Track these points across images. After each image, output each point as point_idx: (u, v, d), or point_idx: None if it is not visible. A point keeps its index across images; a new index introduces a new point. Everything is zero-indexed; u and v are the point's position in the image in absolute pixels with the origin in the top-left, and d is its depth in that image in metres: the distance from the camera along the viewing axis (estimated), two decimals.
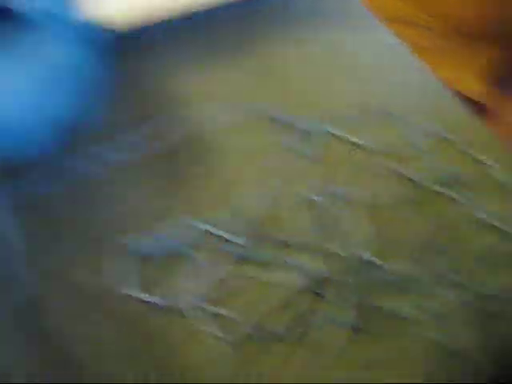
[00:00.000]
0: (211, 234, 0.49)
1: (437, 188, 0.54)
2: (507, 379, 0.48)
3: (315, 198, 0.50)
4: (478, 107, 0.73)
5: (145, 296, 0.46)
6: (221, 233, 0.49)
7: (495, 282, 0.53)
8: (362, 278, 0.50)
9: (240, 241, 0.48)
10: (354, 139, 0.53)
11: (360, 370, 0.48)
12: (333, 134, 0.53)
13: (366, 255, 0.50)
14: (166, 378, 0.45)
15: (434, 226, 0.54)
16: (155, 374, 0.45)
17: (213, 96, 0.54)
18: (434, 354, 0.50)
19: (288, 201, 0.50)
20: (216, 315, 0.47)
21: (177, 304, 0.46)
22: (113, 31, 0.57)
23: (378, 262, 0.50)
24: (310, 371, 0.48)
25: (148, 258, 0.47)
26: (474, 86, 0.76)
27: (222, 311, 0.47)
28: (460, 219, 0.54)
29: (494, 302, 0.52)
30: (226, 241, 0.49)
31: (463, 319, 0.51)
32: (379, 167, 0.53)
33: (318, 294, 0.49)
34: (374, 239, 0.52)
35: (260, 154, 0.51)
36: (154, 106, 0.54)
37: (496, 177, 0.57)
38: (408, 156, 0.55)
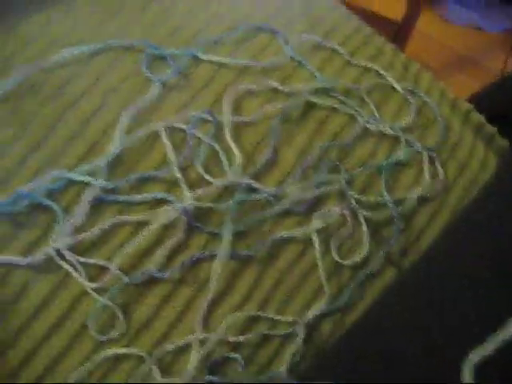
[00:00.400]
0: (72, 181, 0.44)
1: (317, 100, 0.49)
2: None
3: (179, 125, 0.45)
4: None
5: (3, 258, 0.42)
6: (81, 178, 0.44)
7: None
8: (240, 204, 0.46)
9: (99, 183, 0.43)
10: (226, 60, 0.48)
11: (251, 303, 0.45)
12: (199, 58, 0.48)
13: (243, 179, 0.45)
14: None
15: (320, 140, 0.49)
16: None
17: (60, 36, 0.49)
18: (333, 273, 0.49)
19: (149, 132, 0.45)
20: (83, 264, 0.43)
21: (37, 259, 0.42)
22: None
23: (255, 185, 0.46)
24: (194, 308, 0.44)
25: (5, 216, 0.43)
26: None
27: (89, 260, 0.43)
28: (344, 129, 0.50)
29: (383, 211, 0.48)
30: (86, 185, 0.44)
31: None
32: (252, 86, 0.48)
33: (191, 226, 0.45)
34: (250, 163, 0.48)
35: (120, 90, 0.46)
36: None
37: (386, 84, 0.52)
38: (288, 71, 0.50)
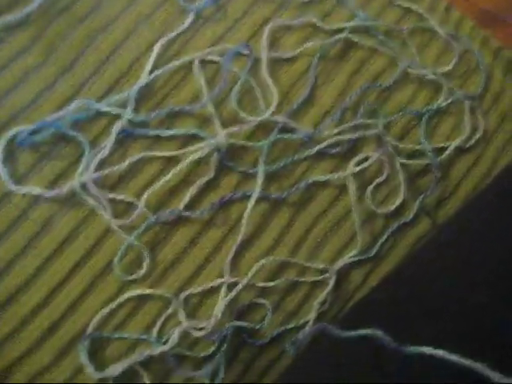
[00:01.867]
0: (99, 111, 0.41)
1: (358, 39, 0.46)
2: None
3: (214, 58, 0.43)
4: None
5: (27, 189, 0.39)
6: (109, 109, 0.41)
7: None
8: (274, 144, 0.44)
9: (128, 115, 0.40)
10: None
11: (282, 248, 0.43)
12: None
13: (279, 118, 0.43)
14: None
15: (359, 81, 0.46)
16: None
17: None
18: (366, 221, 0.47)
19: (182, 64, 0.43)
20: (110, 201, 0.41)
21: (63, 192, 0.39)
22: None
23: (292, 124, 0.43)
24: (223, 251, 0.42)
25: (33, 146, 0.40)
26: None
27: (116, 196, 0.41)
28: (384, 71, 0.47)
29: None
30: (115, 117, 0.41)
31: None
32: (291, 21, 0.45)
33: (223, 165, 0.43)
34: (287, 101, 0.45)
35: (153, 18, 0.43)
36: None
37: (428, 27, 0.49)
38: (328, 8, 0.47)
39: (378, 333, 0.35)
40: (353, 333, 0.36)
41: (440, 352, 0.31)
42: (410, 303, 0.38)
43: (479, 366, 0.29)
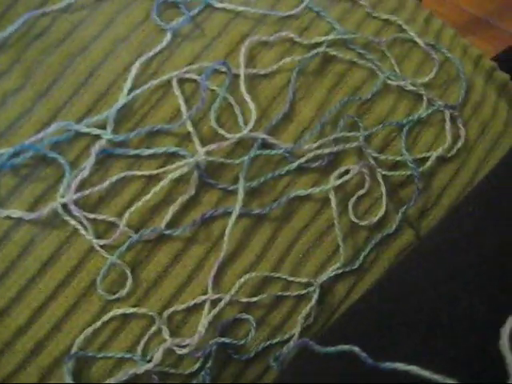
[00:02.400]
0: (79, 133, 0.42)
1: (336, 52, 0.46)
2: None
3: (192, 76, 0.43)
4: None
5: (8, 212, 0.40)
6: (89, 130, 0.42)
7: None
8: (254, 160, 0.44)
9: (108, 135, 0.41)
10: (242, 8, 0.45)
11: (265, 263, 0.43)
12: (214, 6, 0.45)
13: (258, 134, 0.43)
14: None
15: (338, 95, 0.47)
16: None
17: None
18: (349, 234, 0.47)
19: (160, 83, 0.43)
20: (91, 221, 0.41)
21: (44, 214, 0.40)
22: None
23: (271, 140, 0.43)
24: (205, 267, 0.42)
25: (13, 169, 0.41)
26: None
27: (97, 216, 0.41)
28: (363, 84, 0.47)
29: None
30: (94, 138, 0.42)
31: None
32: (269, 37, 0.45)
33: (204, 182, 0.43)
34: (266, 117, 0.45)
35: (130, 38, 0.44)
36: None
37: (408, 38, 0.49)
38: (306, 23, 0.48)
39: (355, 349, 0.35)
40: (332, 348, 0.36)
41: (414, 368, 0.31)
42: (391, 315, 0.39)
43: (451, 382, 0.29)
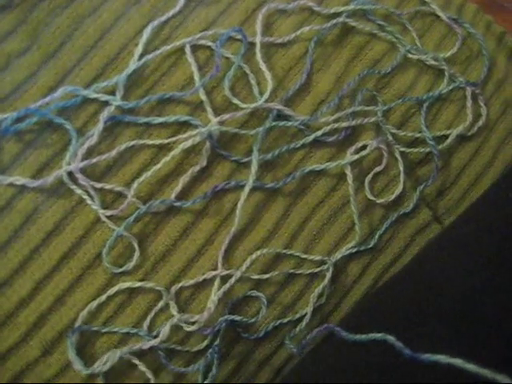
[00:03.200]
0: (87, 98, 0.40)
1: (356, 23, 0.44)
2: None
3: (207, 43, 0.41)
4: None
5: (12, 179, 0.38)
6: (97, 96, 0.40)
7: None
8: (269, 132, 0.42)
9: (117, 102, 0.39)
10: None
11: (277, 239, 0.41)
12: None
13: (273, 105, 0.41)
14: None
15: (357, 68, 0.45)
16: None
17: None
18: (364, 211, 0.46)
19: (173, 49, 0.41)
20: (98, 190, 0.39)
21: (48, 182, 0.38)
22: None
23: (287, 111, 0.42)
24: (216, 242, 0.40)
25: (17, 135, 0.39)
26: None
27: (104, 185, 0.39)
28: (383, 57, 0.45)
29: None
30: (103, 104, 0.40)
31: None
32: (287, 5, 0.43)
33: (216, 153, 0.41)
34: (282, 88, 0.43)
35: (143, 1, 0.42)
36: None
37: (429, 11, 0.47)
38: None
39: (390, 338, 0.33)
40: (363, 336, 0.34)
41: (458, 361, 0.29)
42: (424, 304, 0.37)
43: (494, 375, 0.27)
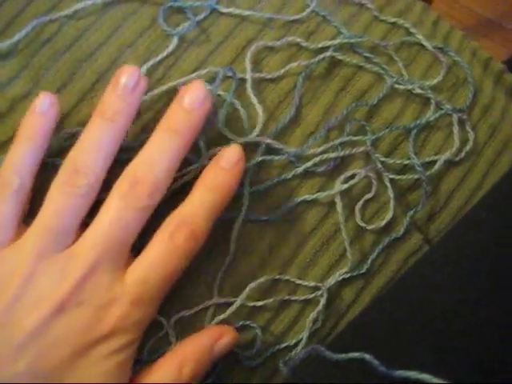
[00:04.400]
0: None
1: (343, 57, 0.46)
2: None
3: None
4: None
5: None
6: None
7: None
8: (260, 166, 0.44)
9: None
10: (248, 13, 0.46)
11: (271, 267, 0.43)
12: (220, 11, 0.45)
13: (264, 138, 0.43)
14: None
15: (345, 99, 0.47)
16: None
17: None
18: (356, 238, 0.48)
19: (167, 89, 0.43)
20: None
21: None
22: None
23: (277, 145, 0.44)
24: (212, 272, 0.43)
25: None
26: None
27: None
28: (370, 88, 0.47)
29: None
30: None
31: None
32: (275, 41, 0.46)
33: None
34: (272, 122, 0.45)
35: (136, 44, 0.44)
36: None
37: (415, 41, 0.49)
38: (312, 27, 0.48)
39: (367, 356, 0.35)
40: (342, 355, 0.36)
41: (427, 377, 0.31)
42: (404, 322, 0.38)
43: None
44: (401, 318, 0.38)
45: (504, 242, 0.38)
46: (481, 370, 0.33)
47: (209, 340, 0.40)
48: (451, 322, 0.35)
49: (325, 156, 0.45)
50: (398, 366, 0.33)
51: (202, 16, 0.46)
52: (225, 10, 0.47)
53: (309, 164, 0.45)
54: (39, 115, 0.38)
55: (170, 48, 0.45)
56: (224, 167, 0.39)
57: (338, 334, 0.44)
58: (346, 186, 0.45)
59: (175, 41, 0.45)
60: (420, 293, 0.40)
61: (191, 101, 0.38)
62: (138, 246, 0.40)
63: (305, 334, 0.45)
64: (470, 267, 0.38)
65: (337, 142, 0.46)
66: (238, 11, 0.47)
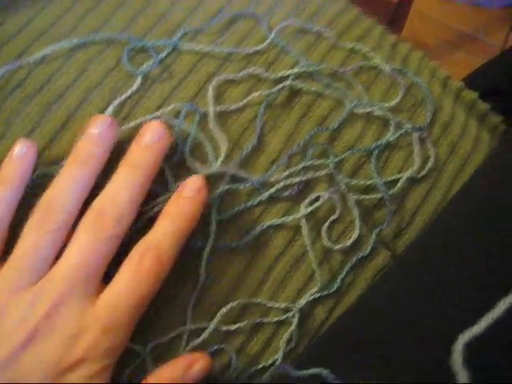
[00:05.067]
0: (54, 177, 0.44)
1: (302, 85, 0.49)
2: None
3: (164, 118, 0.45)
4: None
5: None
6: None
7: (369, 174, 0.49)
8: (226, 194, 0.46)
9: None
10: (208, 49, 0.48)
11: (242, 291, 0.45)
12: (182, 48, 0.48)
13: (228, 168, 0.45)
14: None
15: (307, 125, 0.49)
16: None
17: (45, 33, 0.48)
18: (324, 258, 0.50)
19: (133, 126, 0.45)
20: None
21: None
22: None
23: (241, 173, 0.46)
24: (184, 299, 0.45)
25: None
26: None
27: None
28: (331, 113, 0.49)
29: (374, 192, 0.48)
30: None
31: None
32: (236, 74, 0.48)
33: None
34: (236, 151, 0.47)
35: (102, 85, 0.46)
36: None
37: (374, 65, 0.51)
38: (272, 58, 0.50)
39: (324, 372, 0.36)
40: (304, 372, 0.38)
41: None
42: (359, 338, 0.40)
43: None
44: (356, 333, 0.40)
45: (456, 255, 0.40)
46: (419, 381, 0.35)
47: (181, 369, 0.41)
48: (396, 336, 0.37)
49: (288, 181, 0.47)
50: (355, 379, 0.35)
51: (164, 54, 0.48)
52: (186, 47, 0.49)
53: (273, 190, 0.47)
54: (17, 160, 0.41)
55: (135, 87, 0.47)
56: (187, 196, 0.41)
57: (305, 352, 0.46)
58: (310, 209, 0.47)
59: (139, 80, 0.47)
60: (372, 308, 0.41)
61: (150, 138, 0.41)
62: (113, 275, 0.42)
63: (280, 355, 0.47)
64: (414, 283, 0.40)
65: (299, 166, 0.48)
66: (198, 47, 0.49)
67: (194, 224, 0.42)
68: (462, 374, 0.30)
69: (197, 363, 0.42)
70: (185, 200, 0.41)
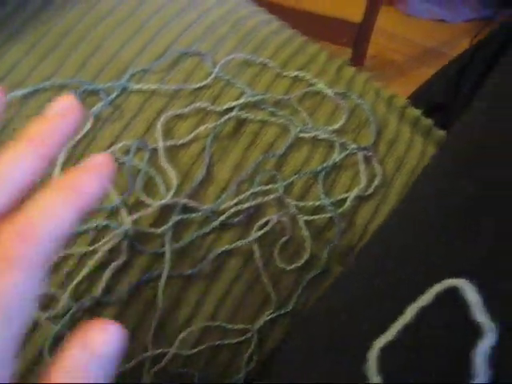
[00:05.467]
0: None
1: (248, 114, 0.51)
2: None
3: (115, 156, 0.48)
4: None
5: None
6: None
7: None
8: (178, 224, 0.49)
9: None
10: (156, 87, 0.51)
11: (200, 317, 0.47)
12: (130, 88, 0.51)
13: (179, 199, 0.48)
14: None
15: (254, 153, 0.51)
16: None
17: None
18: (278, 279, 0.52)
19: None
20: None
21: None
22: None
23: (191, 203, 0.48)
24: (144, 327, 0.47)
25: None
26: None
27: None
28: (277, 139, 0.52)
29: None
30: None
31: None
32: (183, 109, 0.51)
33: (134, 249, 0.48)
34: (186, 183, 0.50)
35: None
36: None
37: (318, 90, 0.54)
38: (217, 91, 0.53)
39: None
40: None
41: None
42: (311, 349, 0.42)
43: None
44: (308, 345, 0.42)
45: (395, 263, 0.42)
46: None
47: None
48: (329, 344, 0.39)
49: (238, 207, 0.50)
50: None
51: (114, 95, 0.51)
52: (135, 87, 0.52)
53: (223, 217, 0.49)
54: None
55: (85, 128, 0.49)
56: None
57: (266, 367, 0.48)
58: (260, 233, 0.49)
59: (91, 120, 0.50)
60: (313, 319, 0.44)
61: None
62: None
63: (241, 375, 0.49)
64: (350, 290, 0.42)
65: (248, 193, 0.50)
66: (146, 86, 0.52)
67: None
68: (375, 379, 0.32)
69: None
70: None
